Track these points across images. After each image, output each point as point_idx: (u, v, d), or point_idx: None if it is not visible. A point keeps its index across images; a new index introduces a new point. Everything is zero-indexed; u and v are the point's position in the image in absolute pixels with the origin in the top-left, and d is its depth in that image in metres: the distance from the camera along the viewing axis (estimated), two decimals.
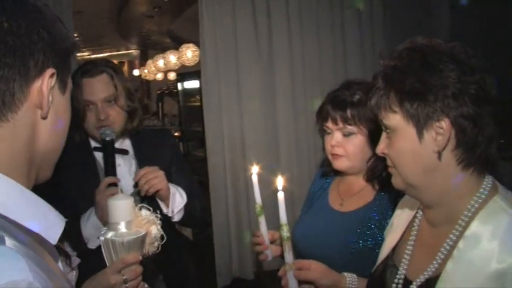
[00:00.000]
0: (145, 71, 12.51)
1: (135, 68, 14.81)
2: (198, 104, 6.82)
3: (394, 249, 1.38)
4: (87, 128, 2.06)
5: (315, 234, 1.86)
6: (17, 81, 0.84)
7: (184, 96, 8.68)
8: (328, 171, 1.98)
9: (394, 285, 1.28)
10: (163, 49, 11.20)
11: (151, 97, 14.14)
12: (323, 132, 1.88)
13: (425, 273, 1.19)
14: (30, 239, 0.83)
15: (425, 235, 1.28)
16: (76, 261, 1.37)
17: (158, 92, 11.79)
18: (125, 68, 15.09)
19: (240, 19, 4.25)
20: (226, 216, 4.40)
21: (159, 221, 1.52)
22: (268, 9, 4.31)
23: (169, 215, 2.04)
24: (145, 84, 14.84)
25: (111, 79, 2.05)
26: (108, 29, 10.23)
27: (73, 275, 1.36)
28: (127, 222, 1.41)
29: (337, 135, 1.81)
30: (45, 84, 0.87)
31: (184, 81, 8.70)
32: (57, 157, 1.00)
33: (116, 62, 2.21)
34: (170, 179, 2.09)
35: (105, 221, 1.67)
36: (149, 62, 12.07)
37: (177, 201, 2.07)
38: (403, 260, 1.30)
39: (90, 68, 2.04)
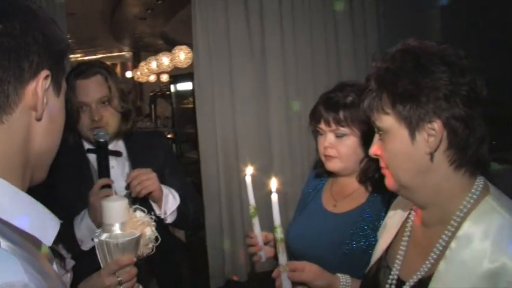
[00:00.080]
0: (138, 73, 12.49)
1: (127, 70, 14.78)
2: (191, 105, 6.81)
3: (387, 250, 1.38)
4: (80, 129, 2.06)
5: (308, 235, 1.86)
6: (12, 83, 0.84)
7: (177, 98, 8.66)
8: (321, 172, 1.98)
9: (387, 285, 1.28)
10: (156, 51, 11.20)
11: (144, 99, 14.10)
12: (316, 134, 1.89)
13: (418, 273, 1.20)
14: (24, 241, 0.83)
15: (418, 236, 1.29)
16: (70, 263, 1.36)
17: (151, 94, 11.74)
18: (118, 70, 15.04)
19: (233, 21, 4.26)
20: (219, 218, 4.40)
21: (153, 223, 1.52)
22: (261, 10, 4.31)
23: (162, 216, 2.04)
24: (138, 86, 14.80)
25: (105, 80, 2.05)
26: (101, 31, 10.20)
27: (67, 277, 1.35)
28: (121, 223, 1.41)
29: (330, 137, 1.81)
30: (39, 86, 0.87)
31: (177, 83, 8.67)
32: (51, 159, 0.99)
33: (108, 63, 2.21)
34: (163, 181, 2.09)
35: (99, 223, 1.67)
36: (142, 64, 12.05)
37: (170, 202, 2.07)
38: (396, 261, 1.30)
39: (84, 70, 2.04)
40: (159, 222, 1.78)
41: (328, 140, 1.81)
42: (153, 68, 10.78)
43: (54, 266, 1.02)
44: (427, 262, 1.18)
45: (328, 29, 4.52)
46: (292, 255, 1.80)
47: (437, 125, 1.09)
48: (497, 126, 1.14)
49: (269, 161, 4.35)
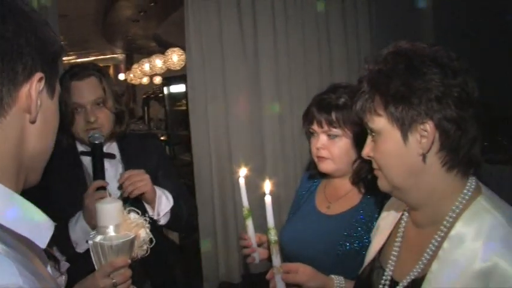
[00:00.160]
0: (131, 75, 12.46)
1: (120, 72, 14.71)
2: (184, 107, 6.81)
3: (381, 251, 1.39)
4: (75, 131, 2.05)
5: (302, 237, 1.87)
6: (5, 86, 0.83)
7: (170, 100, 8.66)
8: (314, 173, 1.99)
9: (380, 286, 1.29)
10: (149, 53, 11.17)
11: (137, 101, 14.05)
12: (309, 135, 1.90)
13: (411, 274, 1.20)
14: (19, 243, 0.83)
15: (411, 236, 1.30)
16: (65, 266, 1.36)
17: (144, 96, 11.73)
18: (111, 72, 14.94)
19: (225, 23, 4.25)
20: (212, 220, 4.39)
21: (147, 224, 1.52)
22: (253, 11, 4.31)
23: (155, 217, 2.04)
24: (131, 89, 14.75)
25: (100, 82, 2.05)
26: (94, 33, 10.16)
27: (62, 280, 1.35)
28: (115, 225, 1.40)
29: (323, 138, 1.82)
30: (33, 88, 0.87)
31: (170, 85, 8.68)
32: (45, 161, 0.99)
33: (101, 66, 2.21)
34: (157, 183, 2.09)
35: (94, 225, 1.66)
36: (135, 66, 12.02)
37: (163, 204, 2.07)
38: (390, 262, 1.31)
39: (78, 71, 2.04)
40: (153, 224, 1.78)
41: (321, 141, 1.82)
42: (146, 70, 10.76)
43: (49, 269, 1.02)
44: (420, 262, 1.19)
45: (320, 28, 4.52)
46: (286, 257, 1.80)
47: (429, 126, 1.10)
48: (485, 128, 1.15)
49: (262, 162, 4.34)
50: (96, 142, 2.00)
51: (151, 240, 1.53)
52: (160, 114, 10.30)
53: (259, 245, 1.81)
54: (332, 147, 1.81)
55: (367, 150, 1.26)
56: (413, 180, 1.17)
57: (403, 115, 1.12)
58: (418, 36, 4.39)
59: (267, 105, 4.36)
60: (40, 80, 0.89)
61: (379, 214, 1.55)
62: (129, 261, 1.43)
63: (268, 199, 1.51)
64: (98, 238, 1.39)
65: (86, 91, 2.02)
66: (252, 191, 1.76)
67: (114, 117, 2.11)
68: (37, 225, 0.88)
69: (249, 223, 1.74)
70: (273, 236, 1.51)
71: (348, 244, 1.75)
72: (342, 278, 1.61)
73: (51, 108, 0.96)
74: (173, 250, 2.98)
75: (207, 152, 4.32)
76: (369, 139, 1.25)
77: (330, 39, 4.56)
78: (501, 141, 4.60)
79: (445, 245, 1.13)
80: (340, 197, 1.88)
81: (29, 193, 0.92)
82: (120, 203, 1.45)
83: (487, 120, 1.15)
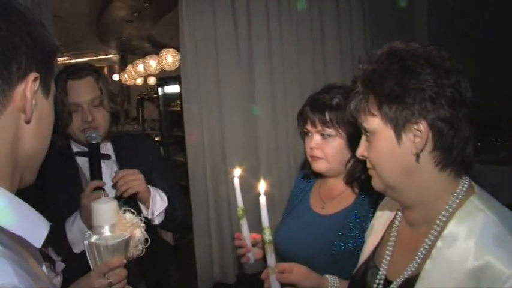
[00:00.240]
0: (125, 76, 12.41)
1: (114, 73, 14.65)
2: (179, 108, 6.80)
3: (375, 250, 1.40)
4: (71, 131, 2.05)
5: (296, 237, 1.87)
6: (0, 86, 0.83)
7: (164, 101, 8.63)
8: (308, 173, 2.00)
9: (374, 285, 1.30)
10: (143, 54, 11.13)
11: (131, 102, 14.01)
12: (304, 135, 1.90)
13: (405, 273, 1.21)
14: (14, 243, 0.83)
15: (405, 236, 1.30)
16: (60, 266, 1.36)
17: (138, 97, 11.70)
18: (105, 73, 14.92)
19: (220, 24, 4.25)
20: (207, 220, 4.39)
21: (143, 224, 1.52)
22: (248, 12, 4.31)
23: (150, 217, 2.04)
24: (125, 90, 14.70)
25: (97, 82, 2.06)
26: (87, 34, 10.11)
27: (58, 280, 1.35)
28: (111, 225, 1.40)
29: (316, 138, 1.83)
30: (28, 88, 0.87)
31: (164, 86, 8.66)
32: (40, 161, 0.99)
33: None
34: (151, 184, 2.09)
35: (91, 225, 1.66)
36: (129, 67, 11.97)
37: (157, 203, 2.07)
38: (384, 261, 1.31)
39: (75, 71, 2.04)
40: (148, 224, 1.78)
41: (315, 141, 1.83)
42: (140, 71, 10.71)
43: (44, 269, 1.02)
44: (414, 262, 1.20)
45: (314, 27, 4.52)
46: (280, 257, 1.80)
47: (423, 126, 1.10)
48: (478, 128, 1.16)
49: (256, 162, 4.35)
50: (93, 142, 2.00)
51: (146, 240, 1.53)
52: (154, 115, 10.27)
53: (254, 244, 1.81)
54: (326, 147, 1.82)
55: (361, 150, 1.27)
56: (407, 180, 1.18)
57: (397, 115, 1.12)
58: (412, 33, 4.39)
59: (261, 105, 4.37)
60: (35, 79, 0.88)
61: (373, 214, 1.56)
62: (125, 261, 1.43)
63: (262, 199, 1.51)
64: (93, 238, 1.39)
65: (83, 91, 2.02)
66: (246, 191, 1.76)
67: (110, 117, 2.11)
68: (32, 224, 0.88)
69: (244, 223, 1.74)
70: (267, 235, 1.51)
71: (342, 244, 1.75)
72: (336, 277, 1.61)
73: (46, 108, 0.96)
74: (168, 250, 2.98)
75: (201, 152, 4.33)
76: (363, 139, 1.26)
77: (324, 40, 4.56)
78: (494, 141, 4.63)
79: (439, 244, 1.13)
80: (335, 197, 1.88)
81: (24, 193, 0.92)
82: (115, 203, 1.45)
83: (479, 121, 1.16)
